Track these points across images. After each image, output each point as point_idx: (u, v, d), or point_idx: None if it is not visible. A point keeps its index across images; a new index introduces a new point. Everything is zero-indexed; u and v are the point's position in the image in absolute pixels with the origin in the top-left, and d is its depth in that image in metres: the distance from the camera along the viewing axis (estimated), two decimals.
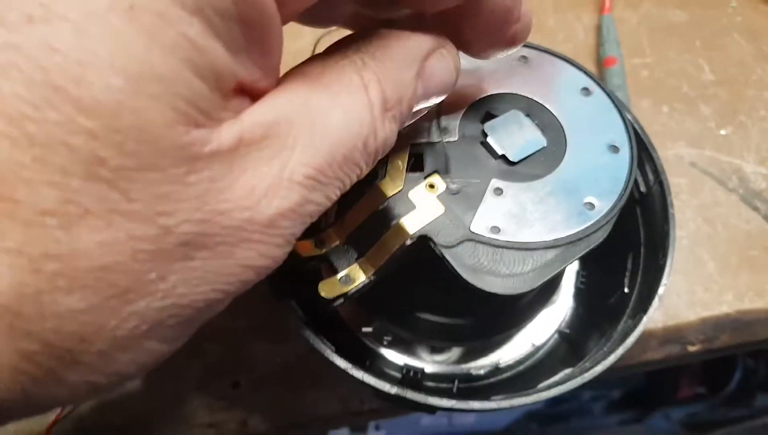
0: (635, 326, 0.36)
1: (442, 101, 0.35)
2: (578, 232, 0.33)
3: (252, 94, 0.23)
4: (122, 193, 0.18)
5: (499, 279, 0.32)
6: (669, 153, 0.54)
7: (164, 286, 0.20)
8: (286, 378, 0.47)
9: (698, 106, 0.56)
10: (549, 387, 0.34)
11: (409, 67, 0.27)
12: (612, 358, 0.35)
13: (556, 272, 0.32)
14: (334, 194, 0.25)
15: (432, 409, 0.38)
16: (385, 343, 0.45)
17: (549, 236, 0.33)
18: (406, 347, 0.45)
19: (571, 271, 0.48)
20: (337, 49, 0.26)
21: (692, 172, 0.54)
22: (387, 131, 0.26)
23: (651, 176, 0.41)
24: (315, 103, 0.23)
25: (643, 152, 0.41)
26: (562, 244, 0.33)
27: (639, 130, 0.41)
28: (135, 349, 0.21)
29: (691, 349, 0.49)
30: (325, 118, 0.23)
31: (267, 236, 0.22)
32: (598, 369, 0.34)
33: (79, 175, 0.18)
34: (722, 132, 0.55)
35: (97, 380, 0.20)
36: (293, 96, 0.23)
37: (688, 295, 0.49)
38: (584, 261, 0.47)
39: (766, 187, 0.53)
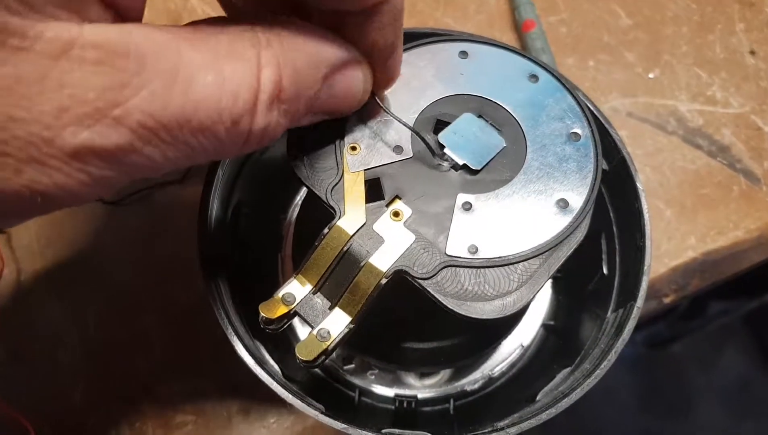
0: (628, 317, 0.34)
1: (387, 116, 0.32)
2: (558, 234, 0.31)
3: (117, 9, 0.20)
4: None
5: (487, 303, 0.30)
6: (604, 107, 0.53)
7: None
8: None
9: (622, 53, 0.56)
10: (556, 399, 0.32)
11: (318, 67, 0.25)
12: (613, 356, 0.33)
13: (543, 283, 0.30)
14: (176, 158, 0.22)
15: None
16: (371, 377, 0.43)
17: (529, 245, 0.31)
18: (393, 378, 0.42)
19: None
20: (247, 20, 0.23)
21: (630, 122, 0.53)
22: (271, 122, 0.23)
23: (611, 151, 0.39)
24: (187, 55, 0.21)
25: (597, 127, 0.40)
26: (545, 251, 0.31)
27: (591, 107, 0.39)
28: None
29: (666, 300, 0.49)
30: (193, 75, 0.21)
31: (67, 166, 0.19)
32: (600, 372, 0.32)
33: None
34: (650, 75, 0.54)
35: None
36: (163, 38, 0.20)
37: (653, 249, 0.48)
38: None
39: (703, 122, 0.53)
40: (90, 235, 0.50)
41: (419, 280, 0.30)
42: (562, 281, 0.45)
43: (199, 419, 0.44)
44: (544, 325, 0.44)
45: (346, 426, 0.31)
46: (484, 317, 0.29)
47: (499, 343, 0.42)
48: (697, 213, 0.49)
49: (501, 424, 0.32)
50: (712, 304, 1.34)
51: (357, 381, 0.43)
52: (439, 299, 0.30)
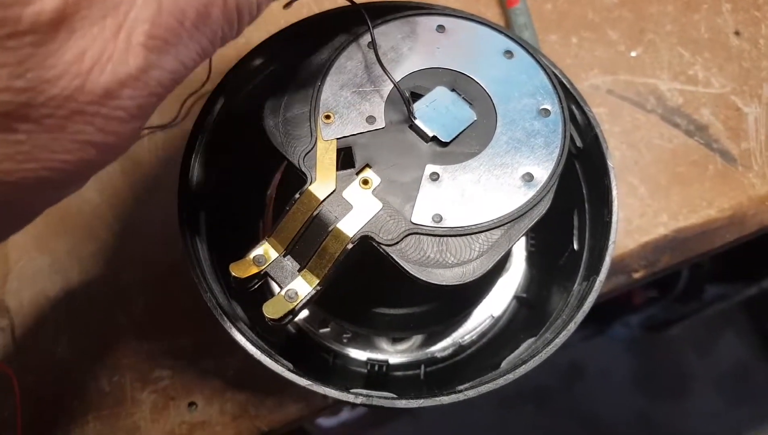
0: (590, 289, 0.36)
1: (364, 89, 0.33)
2: (521, 206, 0.32)
3: None
4: None
5: (447, 270, 0.31)
6: (584, 84, 0.54)
7: None
8: (243, 388, 0.45)
9: (606, 31, 0.56)
10: (515, 366, 0.34)
11: None
12: (572, 326, 0.35)
13: (504, 253, 0.31)
14: (191, 59, 0.22)
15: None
16: (344, 340, 0.44)
17: (492, 216, 0.32)
18: (366, 342, 0.44)
19: None
20: None
21: (610, 99, 0.53)
22: None
23: (585, 129, 0.40)
24: None
25: (573, 105, 0.40)
26: (507, 222, 0.32)
27: (568, 85, 0.40)
28: None
29: (636, 275, 0.50)
30: None
31: (105, 108, 0.20)
32: (559, 341, 0.34)
33: None
34: (633, 54, 0.55)
35: None
36: None
37: (624, 224, 0.49)
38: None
39: (683, 102, 0.53)
40: (77, 192, 0.51)
41: (384, 246, 0.31)
42: (535, 256, 0.46)
43: (175, 374, 0.45)
44: (517, 297, 0.45)
45: (310, 383, 0.32)
46: (444, 283, 0.30)
47: (469, 313, 0.44)
48: (670, 191, 0.50)
49: (461, 387, 0.34)
50: (709, 289, 1.35)
51: (331, 344, 0.44)
52: (402, 265, 0.31)
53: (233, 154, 0.42)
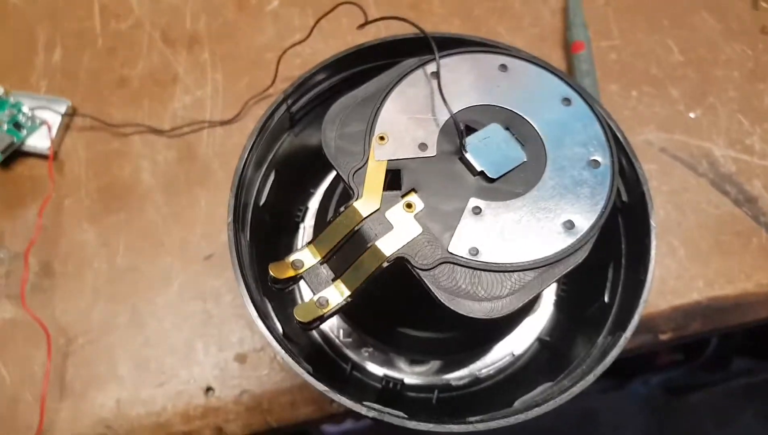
0: (614, 344, 0.36)
1: (421, 116, 0.34)
2: (558, 252, 0.32)
3: None
4: None
5: (477, 303, 0.31)
6: (638, 139, 0.54)
7: None
8: (261, 383, 0.46)
9: (667, 88, 0.56)
10: (528, 407, 0.34)
11: None
12: (591, 378, 0.35)
13: (534, 295, 0.32)
14: None
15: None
16: (365, 353, 0.45)
17: (528, 257, 0.32)
18: (385, 359, 0.45)
19: None
20: None
21: (662, 157, 0.53)
22: None
23: (633, 184, 0.40)
24: None
25: (624, 158, 0.41)
26: (542, 266, 0.32)
27: (621, 138, 0.40)
28: None
29: (663, 337, 0.49)
30: None
31: None
32: (576, 390, 0.34)
33: None
34: (691, 115, 0.54)
35: None
36: None
37: (659, 283, 0.49)
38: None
39: (735, 170, 0.53)
40: (133, 171, 0.53)
41: (418, 270, 0.32)
42: (565, 302, 0.47)
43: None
44: (540, 340, 0.46)
45: (327, 389, 0.33)
46: (471, 315, 0.31)
47: (489, 347, 0.44)
48: (710, 258, 0.50)
49: (471, 418, 0.34)
50: (737, 361, 1.31)
51: (351, 355, 0.45)
52: (433, 291, 0.31)
53: (287, 159, 0.44)
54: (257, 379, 0.47)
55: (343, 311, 0.39)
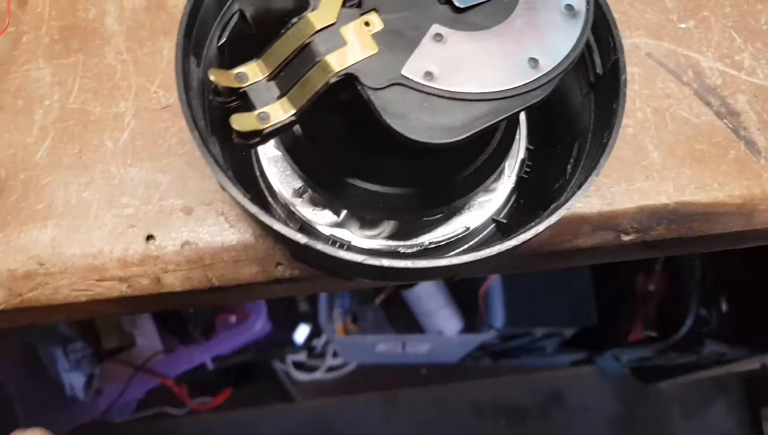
0: (564, 203, 0.34)
1: None
2: (516, 87, 0.31)
3: None
4: None
5: (424, 128, 0.30)
6: (626, 42, 0.51)
7: None
8: (205, 238, 0.45)
9: None
10: (464, 252, 0.33)
11: None
12: (532, 232, 0.33)
13: (485, 126, 0.30)
14: None
15: (345, 270, 0.36)
16: (315, 213, 0.43)
17: (485, 89, 0.30)
18: (336, 220, 0.43)
19: (516, 160, 0.45)
20: None
21: (647, 61, 0.51)
22: None
23: (608, 53, 0.38)
24: None
25: (604, 30, 0.39)
26: (497, 98, 0.30)
27: (602, 4, 0.38)
28: None
29: (625, 238, 0.48)
30: None
31: None
32: (513, 242, 0.32)
33: None
34: (682, 25, 0.52)
35: None
36: None
37: (627, 183, 0.47)
38: (531, 151, 0.45)
39: (721, 83, 0.51)
40: (98, 14, 0.51)
41: (367, 89, 0.30)
42: (526, 183, 0.45)
43: (142, 206, 0.45)
44: (494, 220, 0.44)
45: (259, 211, 0.32)
46: (415, 138, 0.29)
47: (442, 218, 0.43)
48: (684, 163, 0.48)
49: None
50: (709, 344, 1.31)
51: (301, 213, 0.43)
52: (380, 111, 0.30)
53: None
54: (202, 233, 0.45)
55: (294, 157, 0.38)
